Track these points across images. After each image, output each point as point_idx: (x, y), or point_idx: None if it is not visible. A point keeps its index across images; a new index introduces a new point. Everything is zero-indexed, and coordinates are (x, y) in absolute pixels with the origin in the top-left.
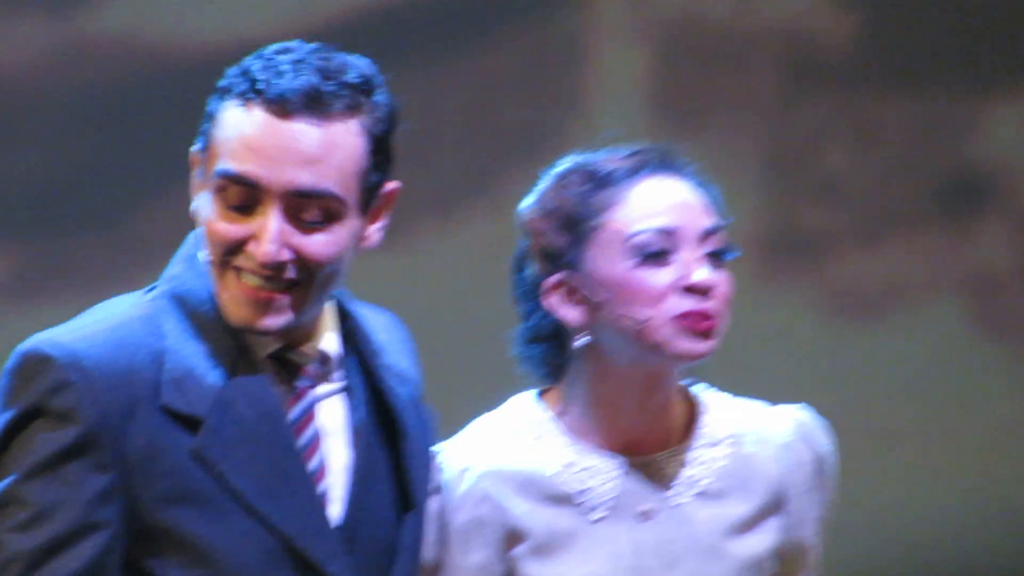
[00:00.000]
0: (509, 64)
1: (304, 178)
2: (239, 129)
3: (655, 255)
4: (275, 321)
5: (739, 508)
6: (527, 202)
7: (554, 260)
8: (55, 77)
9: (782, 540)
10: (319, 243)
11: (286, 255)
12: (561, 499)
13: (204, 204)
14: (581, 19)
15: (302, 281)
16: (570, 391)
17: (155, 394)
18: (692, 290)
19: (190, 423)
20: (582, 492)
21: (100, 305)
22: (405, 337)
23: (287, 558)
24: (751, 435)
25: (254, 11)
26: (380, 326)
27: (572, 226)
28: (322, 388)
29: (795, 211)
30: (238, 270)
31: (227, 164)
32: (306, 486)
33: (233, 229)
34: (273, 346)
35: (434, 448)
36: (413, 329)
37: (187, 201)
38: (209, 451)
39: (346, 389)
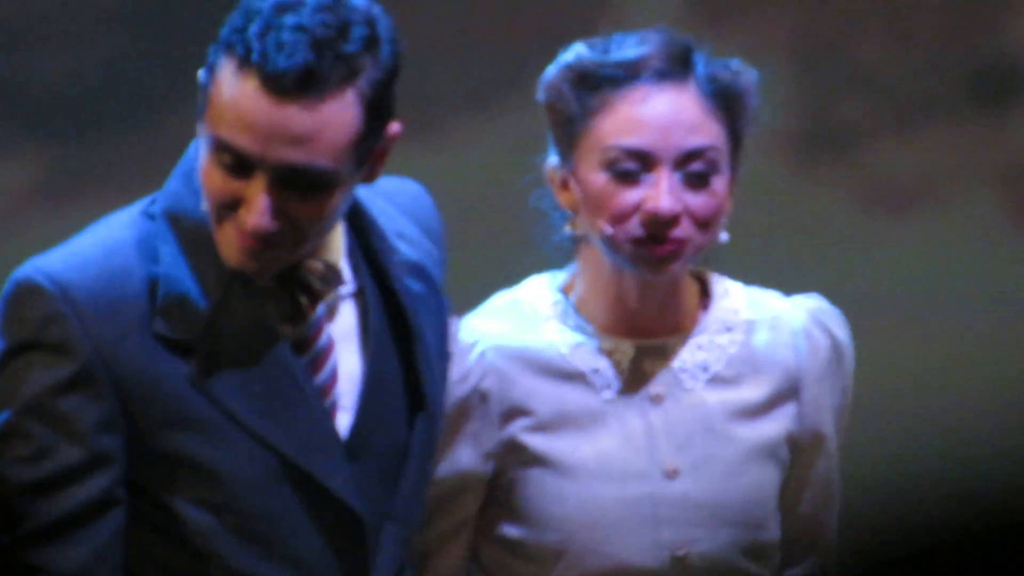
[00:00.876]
0: None
1: (295, 155)
2: (234, 98)
3: (625, 173)
4: (268, 268)
5: (752, 393)
6: (541, 80)
7: (556, 145)
8: None
9: (797, 427)
10: (310, 210)
11: (275, 226)
12: (573, 376)
13: (203, 147)
14: None
15: (296, 238)
16: (579, 276)
17: (148, 322)
18: (653, 215)
19: (184, 349)
20: (595, 371)
21: (98, 224)
22: (431, 212)
23: (290, 475)
24: (765, 322)
25: None
26: (403, 205)
27: (566, 122)
28: (330, 297)
29: (828, 102)
30: (226, 226)
31: (220, 132)
32: (307, 403)
33: (226, 187)
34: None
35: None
36: (451, 227)
37: None
38: (202, 376)
39: (358, 292)
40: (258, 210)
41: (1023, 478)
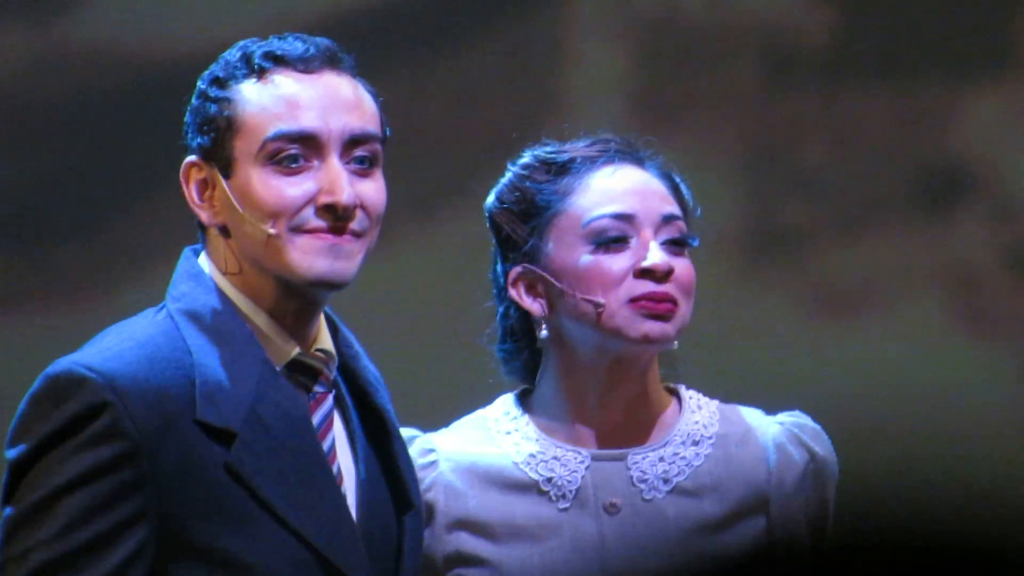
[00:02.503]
0: (489, 64)
1: (355, 122)
2: (273, 95)
3: (612, 240)
4: (348, 267)
5: (714, 507)
6: (490, 197)
7: (517, 252)
8: (35, 85)
9: (765, 542)
10: (373, 189)
11: (356, 201)
12: (526, 487)
13: (249, 183)
14: (561, 18)
15: (363, 232)
16: (542, 386)
17: (189, 409)
18: (648, 273)
19: (224, 436)
20: (548, 481)
21: (115, 326)
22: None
23: (317, 567)
24: (736, 436)
25: (234, 17)
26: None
27: (532, 216)
28: (331, 383)
29: (775, 206)
30: (302, 231)
31: (279, 126)
32: (334, 494)
33: (296, 191)
34: (294, 350)
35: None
36: (399, 333)
37: (171, 208)
38: (242, 464)
39: (337, 396)
40: (342, 184)
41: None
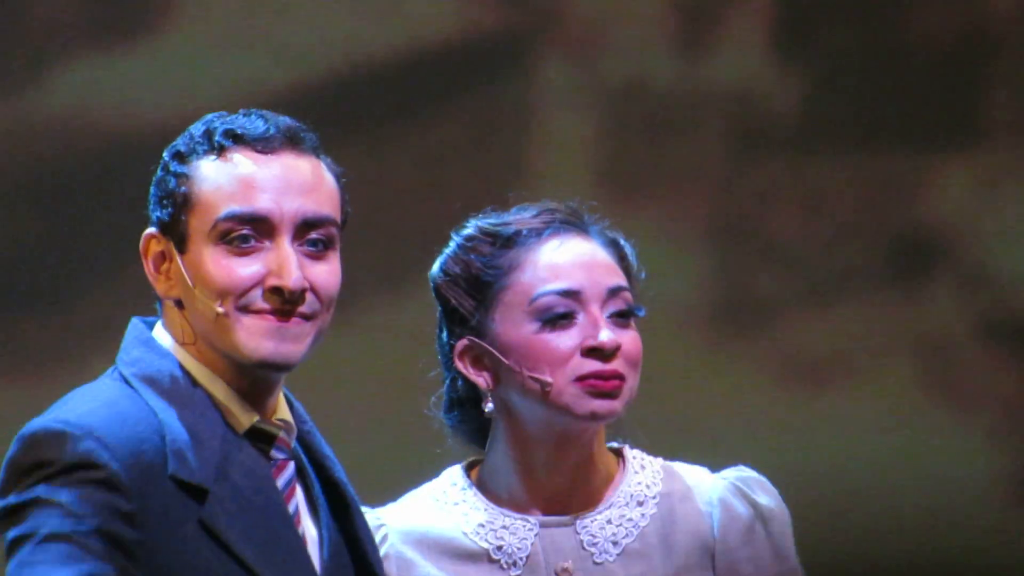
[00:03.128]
0: (457, 133)
1: (309, 205)
2: (230, 174)
3: (558, 317)
4: (295, 349)
5: (664, 566)
6: (435, 267)
7: (462, 324)
8: (3, 156)
9: None
10: (325, 272)
11: (305, 284)
12: (477, 556)
13: (201, 260)
14: (530, 87)
15: (314, 314)
16: (490, 455)
17: (163, 464)
18: (595, 352)
19: (196, 492)
20: (498, 549)
21: (76, 390)
22: None
23: None
24: (679, 494)
25: (202, 88)
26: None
27: (477, 289)
28: (290, 450)
29: (744, 277)
30: (250, 311)
31: (231, 206)
32: (302, 557)
33: (245, 272)
34: (253, 418)
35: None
36: (367, 403)
37: (139, 280)
38: (216, 519)
39: (298, 468)
40: (291, 267)
41: None
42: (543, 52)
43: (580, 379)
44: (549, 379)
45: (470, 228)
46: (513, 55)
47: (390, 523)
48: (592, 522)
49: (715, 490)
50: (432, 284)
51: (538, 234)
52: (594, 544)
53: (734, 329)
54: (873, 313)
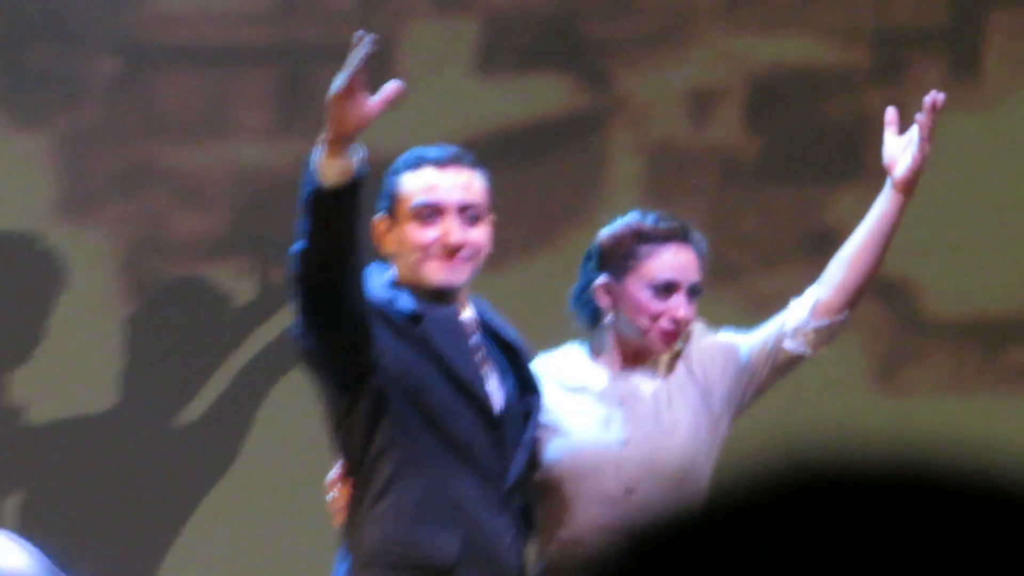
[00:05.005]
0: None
1: (465, 196)
2: (421, 180)
3: (664, 288)
4: (456, 279)
5: (691, 385)
6: (604, 231)
7: (608, 270)
8: None
9: (724, 386)
10: (476, 234)
11: (465, 239)
12: (579, 389)
13: (404, 233)
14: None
15: (469, 258)
16: (596, 340)
17: (391, 314)
18: (675, 319)
19: (413, 319)
20: (589, 385)
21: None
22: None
23: (478, 414)
24: (692, 354)
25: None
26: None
27: (623, 257)
28: (473, 328)
29: None
30: (431, 257)
31: (422, 198)
32: (473, 358)
33: (428, 235)
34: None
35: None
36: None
37: None
38: (429, 336)
39: (479, 326)
40: (456, 231)
41: None
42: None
43: (662, 329)
44: (645, 325)
45: (632, 216)
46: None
47: (545, 367)
48: (649, 370)
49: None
50: (598, 240)
51: (667, 240)
52: (651, 378)
53: None
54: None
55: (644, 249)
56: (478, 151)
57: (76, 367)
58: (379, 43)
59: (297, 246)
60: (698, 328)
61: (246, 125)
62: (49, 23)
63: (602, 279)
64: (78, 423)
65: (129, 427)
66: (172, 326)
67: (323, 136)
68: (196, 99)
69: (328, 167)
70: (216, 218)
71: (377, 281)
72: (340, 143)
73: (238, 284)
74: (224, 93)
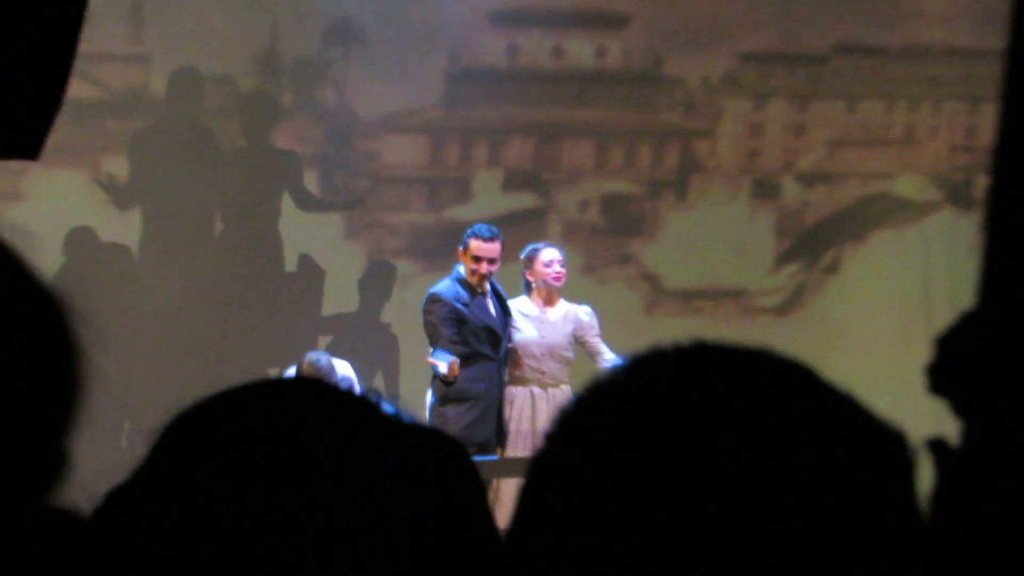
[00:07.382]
0: None
1: (494, 253)
2: (476, 244)
3: (548, 265)
4: (484, 284)
5: (568, 323)
6: (526, 250)
7: (530, 263)
8: None
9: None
10: (494, 266)
11: (490, 270)
12: (525, 315)
13: (467, 260)
14: None
15: (489, 274)
16: (530, 292)
17: (456, 302)
18: (556, 276)
19: (461, 303)
20: (529, 313)
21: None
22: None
23: (489, 335)
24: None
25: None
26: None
27: (530, 258)
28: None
29: None
30: (475, 275)
31: (475, 252)
32: (493, 316)
33: (477, 264)
34: (478, 292)
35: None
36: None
37: None
38: (471, 312)
39: (492, 296)
40: (488, 267)
41: None
42: None
43: (553, 278)
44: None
45: (530, 246)
46: None
47: (513, 304)
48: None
49: (583, 308)
50: (524, 254)
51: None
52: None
53: None
54: None
55: (535, 250)
56: None
57: None
58: None
59: None
60: (585, 307)
61: None
62: None
63: (527, 266)
64: None
65: None
66: None
67: None
68: None
69: None
70: None
71: (454, 274)
72: None
73: None
74: None
